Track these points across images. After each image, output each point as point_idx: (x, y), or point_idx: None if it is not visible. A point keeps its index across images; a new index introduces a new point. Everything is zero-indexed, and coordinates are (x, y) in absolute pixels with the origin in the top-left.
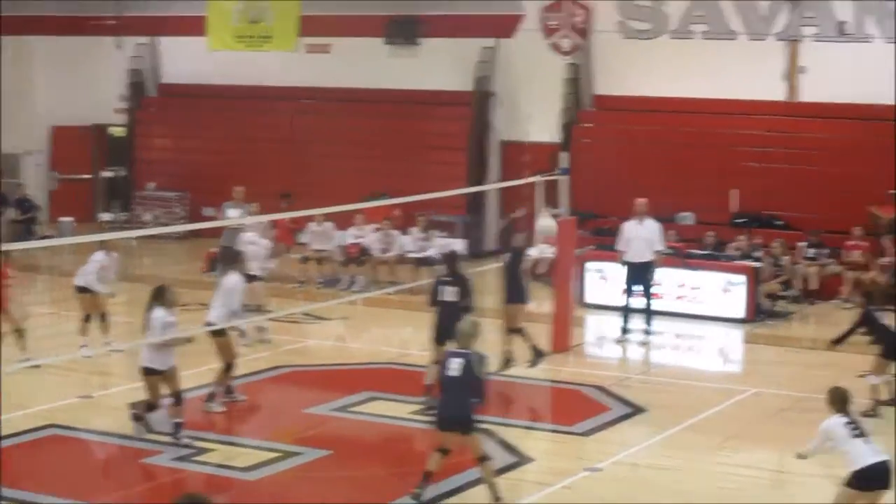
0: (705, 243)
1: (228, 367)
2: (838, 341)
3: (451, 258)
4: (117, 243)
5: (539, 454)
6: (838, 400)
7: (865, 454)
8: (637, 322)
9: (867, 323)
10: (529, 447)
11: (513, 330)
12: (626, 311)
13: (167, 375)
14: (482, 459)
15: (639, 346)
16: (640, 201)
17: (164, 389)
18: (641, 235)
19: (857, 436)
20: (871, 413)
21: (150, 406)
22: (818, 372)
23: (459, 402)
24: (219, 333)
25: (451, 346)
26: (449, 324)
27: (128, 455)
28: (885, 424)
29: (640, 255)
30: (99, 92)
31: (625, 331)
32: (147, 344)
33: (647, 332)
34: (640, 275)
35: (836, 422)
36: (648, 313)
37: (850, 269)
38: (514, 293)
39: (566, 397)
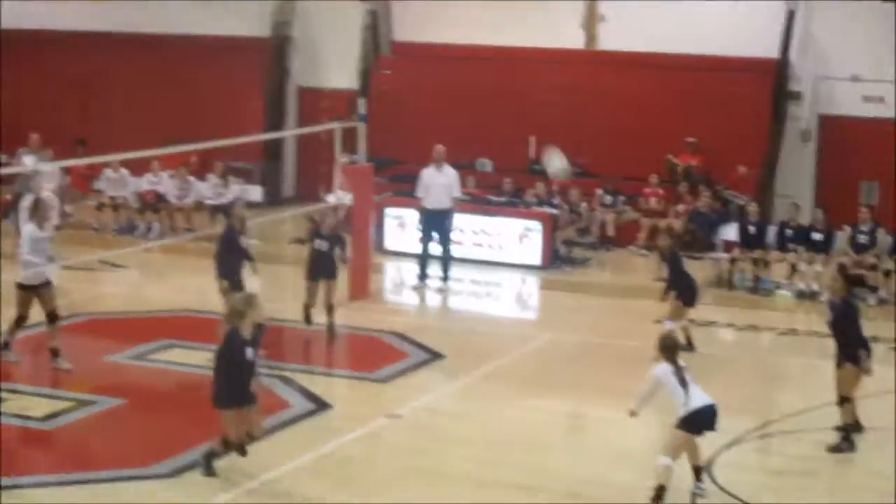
0: (503, 190)
1: (20, 319)
2: (666, 291)
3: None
4: None
5: (338, 401)
6: (669, 348)
7: (696, 398)
8: (435, 269)
9: (671, 265)
10: (328, 394)
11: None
12: (424, 258)
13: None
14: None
15: (436, 292)
16: (438, 148)
17: None
18: (439, 182)
19: (684, 382)
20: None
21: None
22: (614, 318)
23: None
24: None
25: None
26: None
27: None
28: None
29: (438, 201)
30: None
31: (422, 277)
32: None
33: (445, 280)
34: (437, 222)
35: (666, 369)
36: (446, 260)
37: (647, 217)
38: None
39: (365, 344)
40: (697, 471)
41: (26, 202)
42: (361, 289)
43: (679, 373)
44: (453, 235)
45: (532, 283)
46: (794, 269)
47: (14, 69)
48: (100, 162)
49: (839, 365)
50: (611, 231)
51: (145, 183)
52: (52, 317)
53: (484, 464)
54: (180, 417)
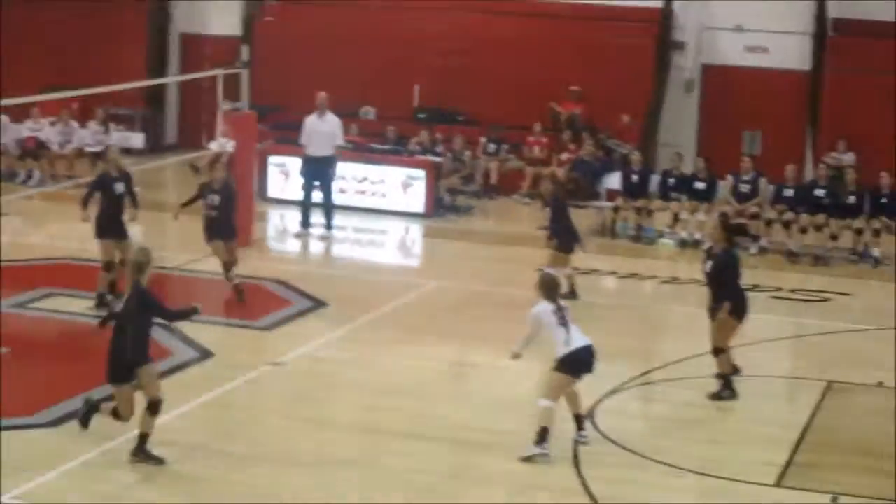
0: (387, 138)
1: None
2: (549, 238)
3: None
4: None
5: (221, 349)
6: (548, 287)
7: (575, 339)
8: (318, 217)
9: (553, 212)
10: (211, 342)
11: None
12: (306, 206)
13: None
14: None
15: (320, 240)
16: (321, 95)
17: None
18: (322, 130)
19: (564, 323)
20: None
21: None
22: (497, 266)
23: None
24: None
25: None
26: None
27: None
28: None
29: (321, 149)
30: None
31: (305, 225)
32: None
33: (328, 227)
34: (320, 169)
35: (546, 308)
36: (328, 208)
37: (531, 165)
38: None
39: (248, 292)
40: (579, 419)
41: None
42: (244, 237)
43: (559, 312)
44: (336, 183)
45: (416, 230)
46: (676, 217)
47: None
48: None
49: (713, 315)
50: (494, 179)
51: (25, 130)
52: None
53: (369, 411)
54: (62, 366)
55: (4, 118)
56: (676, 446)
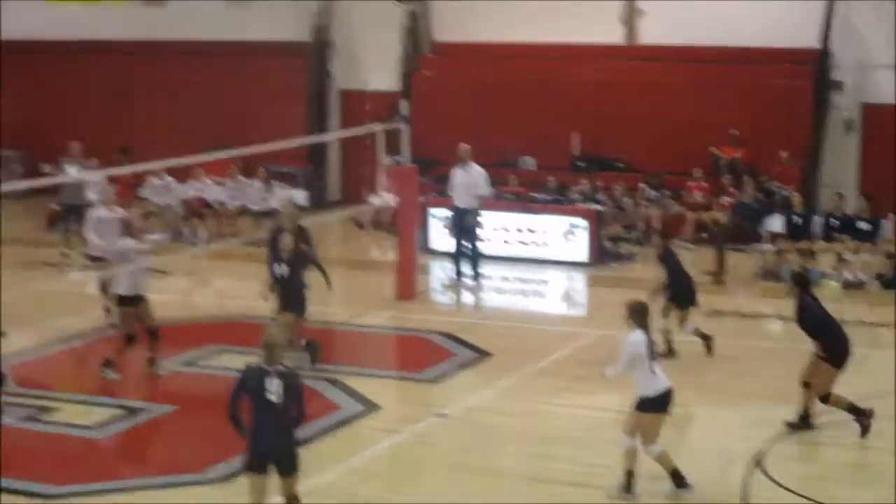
0: (548, 187)
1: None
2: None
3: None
4: None
5: (387, 402)
6: (641, 313)
7: (661, 378)
8: (467, 267)
9: (665, 262)
10: (377, 395)
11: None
12: (456, 256)
13: None
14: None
15: (468, 291)
16: (463, 147)
17: None
18: (465, 181)
19: (654, 357)
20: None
21: None
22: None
23: (284, 431)
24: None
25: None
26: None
27: None
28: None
29: (465, 200)
30: None
31: (457, 274)
32: None
33: (476, 277)
34: (465, 220)
35: (642, 338)
36: (475, 258)
37: (692, 210)
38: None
39: (413, 344)
40: (630, 476)
41: (95, 213)
42: (408, 289)
43: (651, 345)
44: (482, 232)
45: (579, 279)
46: (840, 258)
47: (56, 78)
48: (144, 170)
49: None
50: (656, 225)
51: (190, 189)
52: (153, 332)
53: (534, 460)
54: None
55: (169, 179)
56: (848, 492)
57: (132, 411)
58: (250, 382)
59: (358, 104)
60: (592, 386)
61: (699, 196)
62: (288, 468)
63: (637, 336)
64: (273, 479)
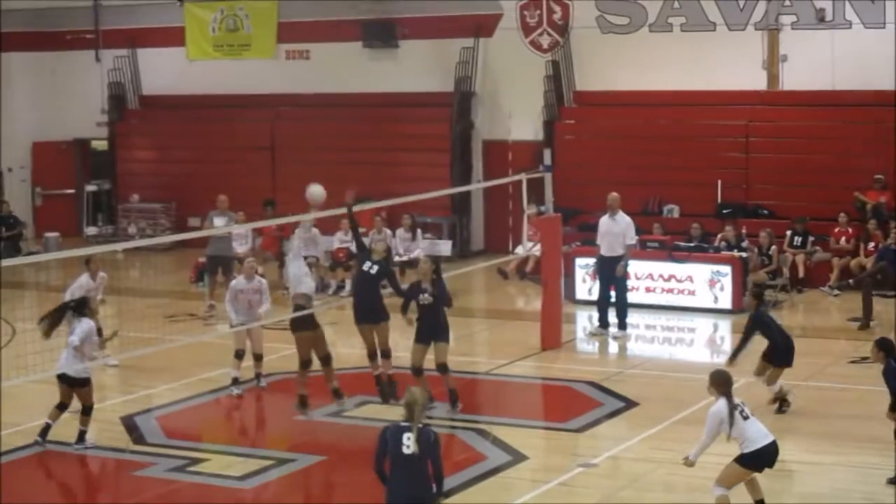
0: (692, 235)
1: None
2: (734, 356)
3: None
4: (104, 258)
5: (533, 451)
6: (723, 383)
7: (759, 436)
8: (614, 316)
9: (759, 325)
10: (524, 445)
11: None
12: (602, 305)
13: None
14: None
15: (613, 340)
16: (612, 196)
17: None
18: (614, 230)
19: (746, 417)
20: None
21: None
22: (809, 360)
23: (419, 484)
24: None
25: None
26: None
27: (121, 468)
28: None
29: (613, 248)
30: (79, 106)
31: (603, 324)
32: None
33: (622, 327)
34: (612, 269)
35: (724, 406)
36: (622, 307)
37: (838, 255)
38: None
39: (558, 394)
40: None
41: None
42: (553, 338)
43: (738, 408)
44: (642, 282)
45: (724, 327)
46: None
47: (203, 132)
48: (290, 222)
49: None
50: (801, 272)
51: (336, 241)
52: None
53: None
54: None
55: (315, 231)
56: None
57: (280, 462)
58: (391, 438)
59: (500, 154)
60: None
61: (845, 241)
62: None
63: (719, 406)
64: None
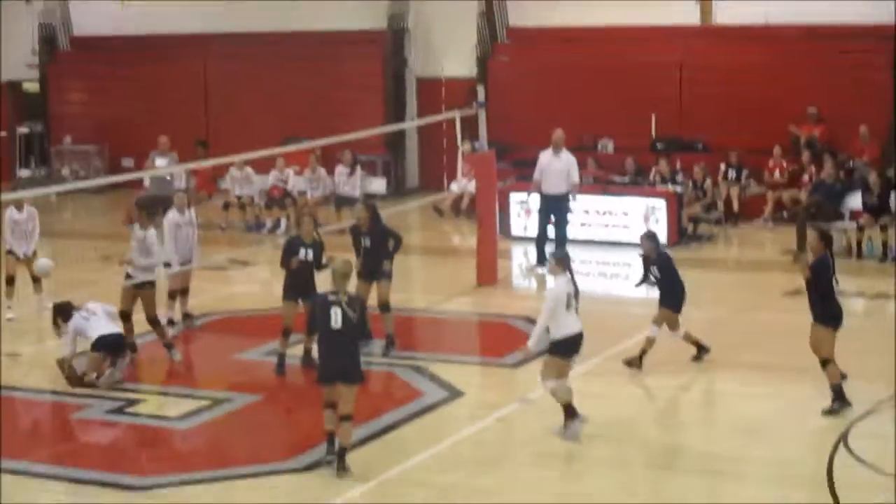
0: (626, 170)
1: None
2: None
3: None
4: (36, 202)
5: (470, 387)
6: (564, 262)
7: (573, 322)
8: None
9: (660, 269)
10: (461, 381)
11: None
12: (541, 242)
13: None
14: (346, 418)
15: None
16: (557, 133)
17: None
18: (557, 168)
19: (570, 304)
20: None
21: None
22: (742, 293)
23: (345, 351)
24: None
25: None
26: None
27: (59, 410)
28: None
29: (556, 186)
30: (10, 48)
31: (540, 261)
32: None
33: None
34: (555, 207)
35: (565, 287)
36: (562, 243)
37: (772, 189)
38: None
39: (494, 330)
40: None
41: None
42: (489, 274)
43: (570, 293)
44: (577, 217)
45: None
46: None
47: (135, 73)
48: (225, 162)
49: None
50: (736, 206)
51: (271, 179)
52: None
53: (617, 444)
54: (312, 412)
55: (249, 170)
56: None
57: (216, 402)
58: (319, 312)
59: (434, 91)
60: (673, 367)
61: (779, 175)
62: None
63: (560, 285)
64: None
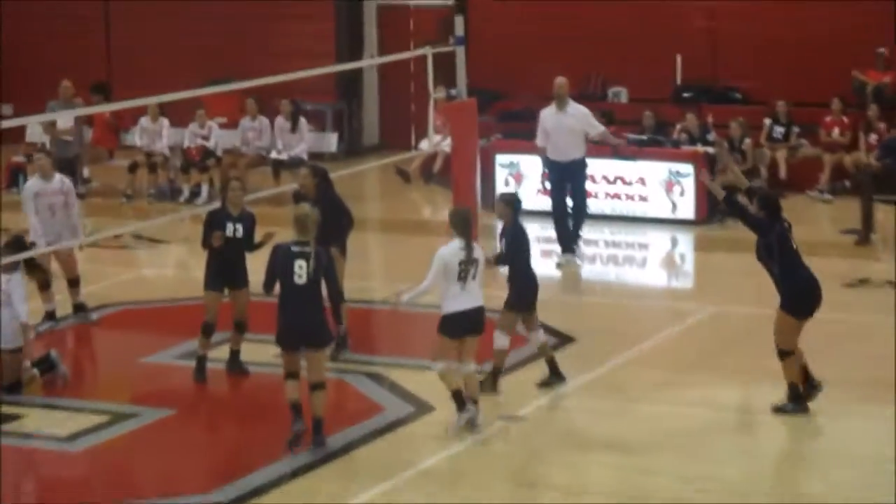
0: (644, 126)
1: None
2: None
3: None
4: None
5: (441, 401)
6: (461, 223)
7: (467, 298)
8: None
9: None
10: (429, 392)
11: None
12: (560, 223)
13: None
14: (318, 386)
15: (557, 269)
16: (559, 81)
17: None
18: (565, 126)
19: (463, 277)
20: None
21: None
22: None
23: (311, 310)
24: None
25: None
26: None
27: None
28: None
29: (564, 151)
30: None
31: (565, 248)
32: None
33: (569, 249)
34: (569, 175)
35: (458, 250)
36: (579, 221)
37: (829, 151)
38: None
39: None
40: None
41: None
42: None
43: (463, 264)
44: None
45: (685, 242)
46: None
47: (26, 9)
48: (130, 108)
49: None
50: (783, 172)
51: (188, 135)
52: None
53: (630, 474)
54: (243, 430)
55: (164, 121)
56: None
57: (118, 417)
58: (281, 264)
59: (401, 23)
60: (701, 378)
61: (838, 134)
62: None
63: (451, 248)
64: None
